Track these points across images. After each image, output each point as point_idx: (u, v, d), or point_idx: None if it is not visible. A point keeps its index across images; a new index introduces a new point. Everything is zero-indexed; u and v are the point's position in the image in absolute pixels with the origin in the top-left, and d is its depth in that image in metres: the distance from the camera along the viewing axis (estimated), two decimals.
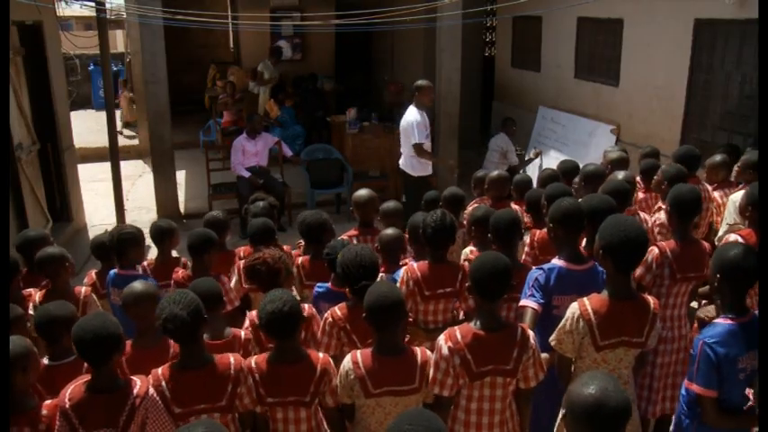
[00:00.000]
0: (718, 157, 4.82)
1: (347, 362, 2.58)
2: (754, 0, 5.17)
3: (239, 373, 2.54)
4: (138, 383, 2.44)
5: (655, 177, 4.50)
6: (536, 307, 3.05)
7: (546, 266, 3.16)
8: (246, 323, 3.18)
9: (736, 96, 6.01)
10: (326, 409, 2.66)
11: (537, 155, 7.97)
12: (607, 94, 7.92)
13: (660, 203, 4.50)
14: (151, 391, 2.43)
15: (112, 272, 3.91)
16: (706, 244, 3.56)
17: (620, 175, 4.45)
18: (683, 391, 2.71)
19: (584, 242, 3.54)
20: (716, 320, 2.62)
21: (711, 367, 2.49)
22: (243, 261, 4.03)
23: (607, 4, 7.48)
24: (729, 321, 2.53)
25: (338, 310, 3.03)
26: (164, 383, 2.49)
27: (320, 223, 3.82)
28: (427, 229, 3.26)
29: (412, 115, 6.50)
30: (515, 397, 2.72)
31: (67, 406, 2.36)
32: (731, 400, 2.53)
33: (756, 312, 2.59)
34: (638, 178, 4.85)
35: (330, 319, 3.03)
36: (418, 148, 6.45)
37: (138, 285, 2.98)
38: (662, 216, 4.31)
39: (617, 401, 1.78)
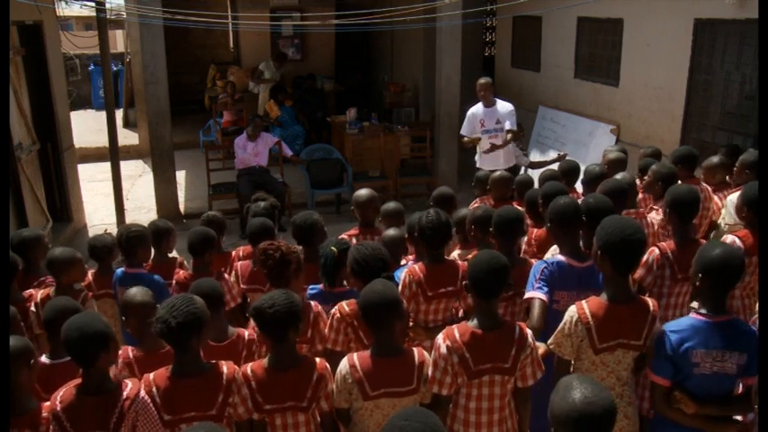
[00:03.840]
0: (715, 159, 4.80)
1: (344, 365, 2.57)
2: (754, 0, 5.17)
3: (231, 383, 2.52)
4: (130, 386, 2.42)
5: (646, 178, 4.49)
6: (544, 298, 3.07)
7: (549, 260, 3.19)
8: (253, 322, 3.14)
9: (736, 96, 6.01)
10: (322, 414, 2.65)
11: (562, 158, 7.52)
12: (607, 94, 7.92)
13: (652, 204, 4.49)
14: (142, 393, 2.42)
15: (120, 270, 3.92)
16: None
17: (619, 175, 4.46)
18: None
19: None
20: (689, 315, 2.65)
21: (663, 355, 2.54)
22: (241, 261, 4.05)
23: (607, 4, 7.48)
24: (699, 317, 2.55)
25: (346, 306, 3.02)
26: (154, 389, 2.47)
27: (310, 224, 3.76)
28: (425, 230, 3.25)
29: (471, 109, 6.90)
30: (514, 396, 2.72)
31: (59, 409, 2.35)
32: (692, 393, 2.55)
33: (736, 316, 2.61)
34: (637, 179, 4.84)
35: (338, 314, 3.01)
36: (460, 138, 6.98)
37: (137, 292, 2.97)
38: (654, 216, 4.30)
39: (602, 406, 1.77)
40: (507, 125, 6.68)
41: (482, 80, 6.85)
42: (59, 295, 3.39)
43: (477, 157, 6.98)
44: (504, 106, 6.77)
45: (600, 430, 1.78)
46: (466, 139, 6.92)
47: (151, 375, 2.52)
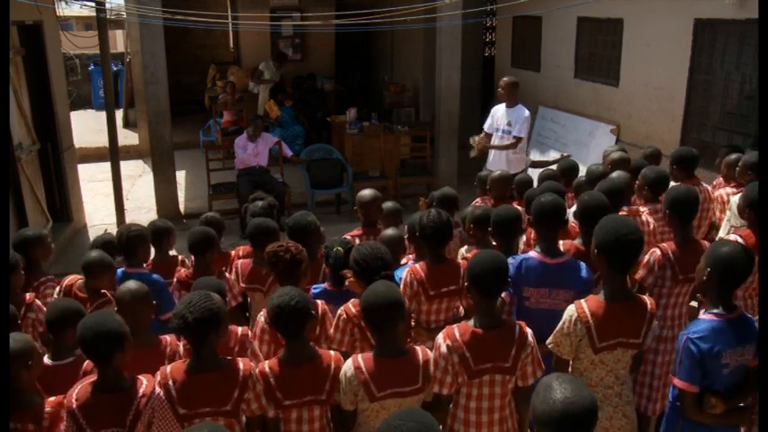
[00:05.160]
0: (733, 156, 4.80)
1: (349, 367, 2.57)
2: (754, 0, 5.17)
3: (247, 380, 2.53)
4: (145, 383, 2.43)
5: (636, 182, 4.49)
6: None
7: (518, 257, 3.22)
8: (261, 319, 3.11)
9: (736, 96, 6.01)
10: (332, 405, 2.67)
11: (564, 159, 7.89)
12: (607, 94, 7.92)
13: (641, 206, 4.49)
14: (158, 390, 2.43)
15: (120, 270, 3.93)
16: (707, 243, 3.56)
17: (615, 174, 4.46)
18: (671, 387, 2.73)
19: (578, 239, 3.59)
20: (700, 316, 2.65)
21: (694, 362, 2.51)
22: (241, 260, 4.05)
23: (607, 4, 7.48)
24: (714, 317, 2.55)
25: (352, 307, 3.03)
26: (170, 383, 2.49)
27: (303, 225, 3.78)
28: (426, 229, 3.26)
29: (497, 105, 6.88)
30: (514, 395, 2.72)
31: (74, 406, 2.35)
32: (719, 391, 2.56)
33: (742, 310, 2.62)
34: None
35: (344, 315, 3.02)
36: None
37: (131, 284, 2.98)
38: (645, 209, 4.29)
39: (582, 405, 1.77)
40: (515, 131, 6.58)
41: (503, 79, 6.80)
42: (90, 296, 3.52)
43: (489, 158, 6.98)
44: (520, 111, 6.65)
45: (582, 429, 1.78)
46: (470, 141, 6.94)
47: (168, 368, 2.53)
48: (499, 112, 6.78)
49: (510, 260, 3.17)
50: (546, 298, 3.11)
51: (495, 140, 6.78)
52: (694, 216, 3.60)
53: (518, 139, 6.59)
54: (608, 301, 2.68)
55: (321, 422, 2.65)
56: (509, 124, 6.64)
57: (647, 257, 3.47)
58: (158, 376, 2.51)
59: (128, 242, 3.91)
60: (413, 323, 3.31)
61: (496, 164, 6.67)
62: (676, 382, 2.58)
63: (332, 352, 2.71)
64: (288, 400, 2.57)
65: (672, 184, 4.45)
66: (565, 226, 3.47)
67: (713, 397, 2.52)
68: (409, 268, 3.33)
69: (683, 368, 2.54)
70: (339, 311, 3.06)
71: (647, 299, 2.78)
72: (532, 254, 3.21)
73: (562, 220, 3.26)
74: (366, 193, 4.28)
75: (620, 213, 3.81)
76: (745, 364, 2.57)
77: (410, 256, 3.83)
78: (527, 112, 6.68)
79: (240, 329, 3.11)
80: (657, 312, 3.30)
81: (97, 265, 3.54)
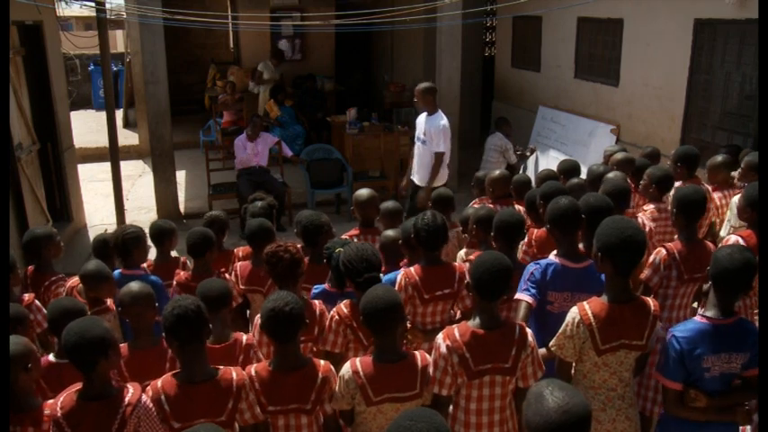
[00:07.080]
0: (719, 158, 4.78)
1: (347, 370, 2.56)
2: (754, 0, 5.17)
3: (241, 390, 2.51)
4: (131, 391, 2.39)
5: (642, 182, 4.48)
6: (530, 300, 3.09)
7: (542, 262, 3.19)
8: (258, 322, 3.12)
9: (736, 96, 6.01)
10: (325, 417, 2.65)
11: (532, 151, 8.28)
12: (607, 94, 7.91)
13: (645, 205, 4.48)
14: (144, 398, 2.39)
15: (117, 272, 3.92)
16: (711, 245, 3.56)
17: (611, 174, 4.44)
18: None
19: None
20: (693, 318, 2.66)
21: (675, 360, 2.55)
22: (240, 262, 4.04)
23: (607, 4, 7.48)
24: (704, 320, 2.56)
25: (344, 308, 3.03)
26: (163, 397, 2.44)
27: (317, 225, 3.77)
28: (420, 232, 3.25)
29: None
30: (514, 396, 2.71)
31: (59, 414, 2.32)
32: (704, 390, 2.58)
33: (742, 317, 2.62)
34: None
35: (336, 316, 3.02)
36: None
37: (134, 285, 2.97)
38: (648, 214, 4.28)
39: (576, 414, 1.71)
40: (434, 146, 6.22)
41: (417, 87, 6.41)
42: (89, 302, 3.46)
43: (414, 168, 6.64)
44: (435, 121, 6.25)
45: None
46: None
47: (159, 383, 2.49)
48: (420, 119, 6.44)
49: (533, 265, 3.16)
50: (568, 302, 3.07)
51: (415, 149, 6.49)
52: (701, 216, 3.59)
53: (438, 155, 6.21)
54: (611, 303, 2.67)
55: (310, 430, 2.61)
56: (424, 133, 6.31)
57: (652, 257, 3.45)
58: (149, 391, 2.47)
59: (123, 244, 3.90)
60: (408, 326, 3.30)
61: (423, 176, 6.36)
62: (659, 377, 2.63)
63: (322, 362, 2.66)
64: (272, 407, 2.54)
65: (675, 183, 4.46)
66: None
67: (693, 390, 2.57)
68: (403, 272, 3.31)
69: (665, 365, 2.59)
70: (331, 312, 3.06)
71: (650, 301, 2.76)
72: (555, 258, 3.18)
73: (581, 223, 3.21)
74: (363, 192, 4.27)
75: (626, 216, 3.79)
76: (733, 372, 2.56)
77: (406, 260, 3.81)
78: (443, 122, 6.25)
79: (245, 338, 3.05)
80: (663, 314, 3.30)
81: (92, 278, 3.48)
